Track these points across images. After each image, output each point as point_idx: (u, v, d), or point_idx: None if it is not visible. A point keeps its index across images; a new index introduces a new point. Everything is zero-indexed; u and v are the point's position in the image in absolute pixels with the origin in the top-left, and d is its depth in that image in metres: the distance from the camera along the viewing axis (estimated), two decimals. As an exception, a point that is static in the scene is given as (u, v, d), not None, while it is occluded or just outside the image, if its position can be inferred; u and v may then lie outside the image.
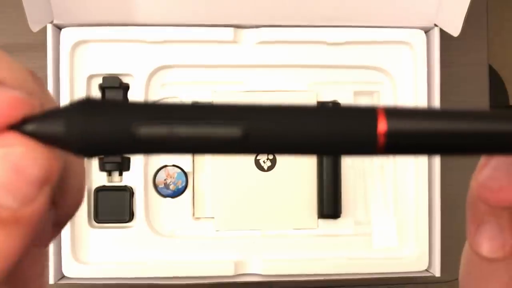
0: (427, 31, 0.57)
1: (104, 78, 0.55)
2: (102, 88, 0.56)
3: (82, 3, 0.53)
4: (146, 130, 0.13)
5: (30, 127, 0.14)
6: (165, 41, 0.55)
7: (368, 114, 0.13)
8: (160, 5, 0.53)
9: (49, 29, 0.53)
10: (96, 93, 0.56)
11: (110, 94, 0.56)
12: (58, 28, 0.54)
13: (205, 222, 0.57)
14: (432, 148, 0.14)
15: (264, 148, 0.14)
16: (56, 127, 0.14)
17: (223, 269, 0.55)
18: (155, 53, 0.55)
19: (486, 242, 0.18)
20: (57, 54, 0.54)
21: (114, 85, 0.55)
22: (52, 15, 0.53)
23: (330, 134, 0.13)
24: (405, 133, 0.13)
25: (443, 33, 0.55)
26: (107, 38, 0.55)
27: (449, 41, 0.55)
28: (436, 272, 0.55)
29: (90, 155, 0.14)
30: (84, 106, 0.14)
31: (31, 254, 0.18)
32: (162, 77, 0.56)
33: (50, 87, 0.53)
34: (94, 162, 0.56)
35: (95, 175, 0.56)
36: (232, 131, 0.13)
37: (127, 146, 0.14)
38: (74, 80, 0.55)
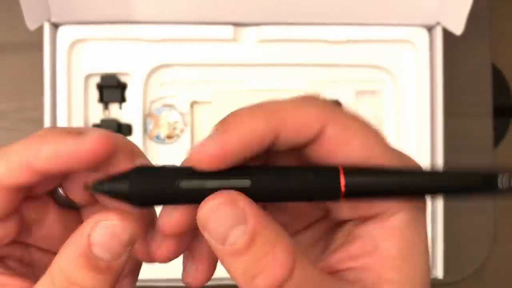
0: (429, 29, 0.56)
1: (102, 77, 0.55)
2: (100, 87, 0.55)
3: (79, 1, 0.52)
4: (185, 184, 0.19)
5: (101, 187, 0.20)
6: (163, 40, 0.54)
7: (333, 173, 0.18)
8: (158, 2, 0.53)
9: (46, 27, 0.53)
10: (94, 92, 0.55)
11: (108, 93, 0.55)
12: (55, 26, 0.54)
13: (205, 223, 0.56)
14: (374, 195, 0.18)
15: (265, 198, 0.19)
16: (121, 187, 0.19)
17: (223, 270, 0.54)
18: (153, 51, 0.55)
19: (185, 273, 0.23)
20: (54, 53, 0.54)
21: (112, 84, 0.55)
22: (50, 13, 0.52)
23: (311, 188, 0.18)
24: (359, 187, 0.18)
25: (446, 32, 0.55)
26: (105, 36, 0.54)
27: (452, 39, 0.54)
28: (439, 274, 0.55)
29: (146, 206, 0.20)
30: (139, 171, 0.19)
31: None
32: (161, 76, 0.56)
33: (47, 87, 0.53)
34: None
35: (93, 176, 0.55)
36: (244, 183, 0.18)
37: (172, 198, 0.19)
38: (71, 79, 0.54)
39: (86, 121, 0.55)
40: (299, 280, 0.17)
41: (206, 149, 0.18)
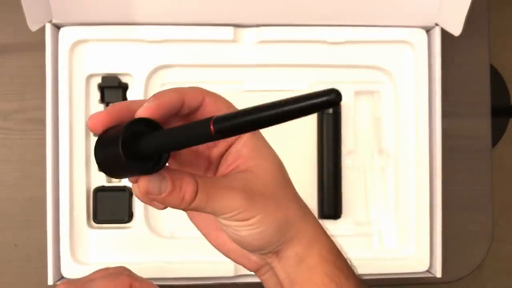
0: (428, 30, 0.56)
1: (103, 78, 0.55)
2: (101, 87, 0.55)
3: (81, 2, 0.53)
4: None
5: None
6: (164, 41, 0.55)
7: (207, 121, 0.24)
8: (159, 4, 0.53)
9: (48, 28, 0.53)
10: (95, 93, 0.56)
11: (109, 94, 0.55)
12: (57, 27, 0.54)
13: (205, 223, 0.57)
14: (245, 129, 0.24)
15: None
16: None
17: (223, 270, 0.54)
18: (154, 52, 0.55)
19: None
20: (55, 54, 0.54)
21: (113, 85, 0.55)
22: (51, 14, 0.53)
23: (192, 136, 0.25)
24: (222, 127, 0.24)
25: (444, 33, 0.55)
26: (106, 37, 0.54)
27: (450, 40, 0.55)
28: (437, 273, 0.55)
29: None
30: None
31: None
32: (161, 76, 0.56)
33: (49, 87, 0.53)
34: (93, 162, 0.55)
35: (94, 175, 0.56)
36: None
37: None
38: (73, 80, 0.54)
39: (87, 122, 0.55)
40: (203, 188, 0.29)
41: (149, 105, 0.28)
